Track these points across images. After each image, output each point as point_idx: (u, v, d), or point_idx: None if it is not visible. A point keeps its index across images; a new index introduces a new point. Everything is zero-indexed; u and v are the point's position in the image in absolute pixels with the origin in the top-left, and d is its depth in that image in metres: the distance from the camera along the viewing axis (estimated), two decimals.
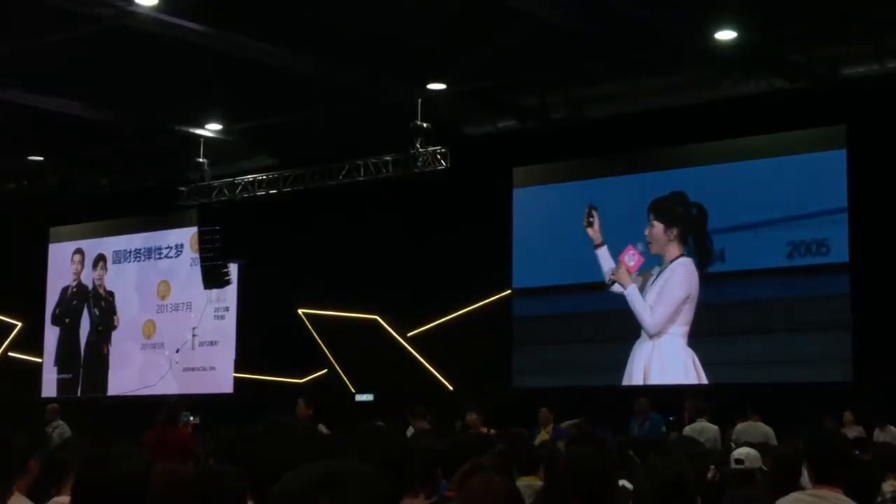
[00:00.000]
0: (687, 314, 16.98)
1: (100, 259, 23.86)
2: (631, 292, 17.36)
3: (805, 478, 5.75)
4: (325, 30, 14.17)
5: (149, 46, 14.52)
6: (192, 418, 16.18)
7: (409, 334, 19.27)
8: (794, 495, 5.10)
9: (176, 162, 20.01)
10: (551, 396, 16.92)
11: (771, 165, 16.48)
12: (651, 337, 17.20)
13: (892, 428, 14.40)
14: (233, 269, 19.66)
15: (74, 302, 24.12)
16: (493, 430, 11.96)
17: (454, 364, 18.39)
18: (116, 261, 23.61)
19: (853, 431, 14.72)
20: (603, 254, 17.72)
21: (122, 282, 23.46)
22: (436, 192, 18.25)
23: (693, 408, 12.55)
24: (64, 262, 24.33)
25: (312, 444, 2.52)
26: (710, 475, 5.45)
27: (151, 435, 10.71)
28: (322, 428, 14.20)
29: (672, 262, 17.21)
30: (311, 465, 1.98)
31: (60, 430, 15.23)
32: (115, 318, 23.43)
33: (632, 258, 17.24)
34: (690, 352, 16.90)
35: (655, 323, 17.18)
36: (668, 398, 16.18)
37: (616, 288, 17.54)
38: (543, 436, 13.99)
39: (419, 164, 16.86)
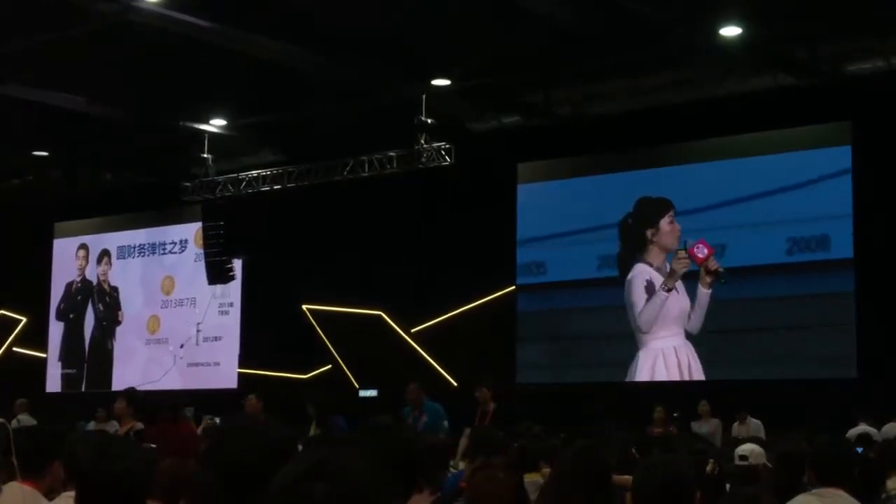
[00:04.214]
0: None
1: (104, 254, 23.87)
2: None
3: None
4: (330, 25, 14.17)
5: (153, 42, 14.52)
6: (209, 418, 15.93)
7: (413, 330, 19.24)
8: (799, 497, 5.09)
9: (180, 157, 20.02)
10: (554, 392, 16.95)
11: (775, 161, 16.43)
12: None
13: (752, 420, 14.30)
14: (237, 264, 19.65)
15: (79, 297, 24.14)
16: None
17: (458, 360, 18.36)
18: (121, 256, 23.62)
19: (710, 425, 14.66)
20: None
21: (127, 277, 23.47)
22: (440, 187, 18.24)
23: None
24: (68, 258, 24.35)
25: (271, 445, 2.42)
26: (709, 468, 5.43)
27: (153, 431, 10.67)
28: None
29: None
30: (307, 453, 1.99)
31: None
32: (119, 313, 23.44)
33: (701, 250, 16.76)
34: (692, 348, 16.82)
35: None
36: (675, 394, 16.20)
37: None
38: None
39: (424, 159, 16.84)
